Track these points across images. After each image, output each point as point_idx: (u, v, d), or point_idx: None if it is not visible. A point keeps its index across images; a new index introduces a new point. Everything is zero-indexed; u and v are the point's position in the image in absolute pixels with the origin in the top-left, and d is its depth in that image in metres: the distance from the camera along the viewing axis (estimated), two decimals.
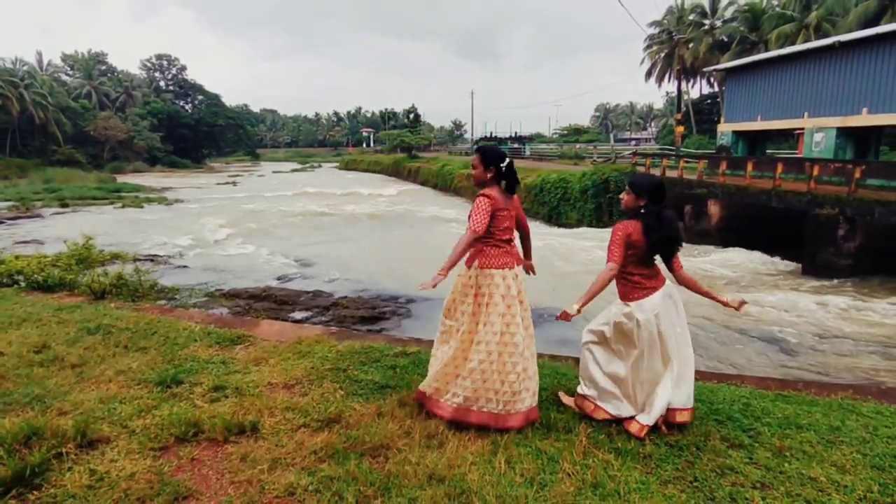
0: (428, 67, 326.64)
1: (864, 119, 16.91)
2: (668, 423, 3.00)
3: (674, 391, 2.98)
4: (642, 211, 3.03)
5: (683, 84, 42.92)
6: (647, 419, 2.95)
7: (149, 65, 79.04)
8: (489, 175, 3.15)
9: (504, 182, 3.17)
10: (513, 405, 2.99)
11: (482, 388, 2.98)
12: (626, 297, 3.07)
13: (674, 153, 25.95)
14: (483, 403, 3.00)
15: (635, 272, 3.05)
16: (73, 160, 52.19)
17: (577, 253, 14.99)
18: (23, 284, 6.81)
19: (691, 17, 41.31)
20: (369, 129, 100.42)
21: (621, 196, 3.19)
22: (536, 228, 20.09)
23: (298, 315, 9.18)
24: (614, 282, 3.07)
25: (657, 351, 3.01)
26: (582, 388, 3.21)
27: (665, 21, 43.72)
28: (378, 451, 2.75)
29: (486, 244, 3.11)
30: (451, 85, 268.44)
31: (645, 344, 2.99)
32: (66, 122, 56.05)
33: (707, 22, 40.38)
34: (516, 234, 3.35)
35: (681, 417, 3.00)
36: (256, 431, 2.95)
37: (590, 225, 19.47)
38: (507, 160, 3.18)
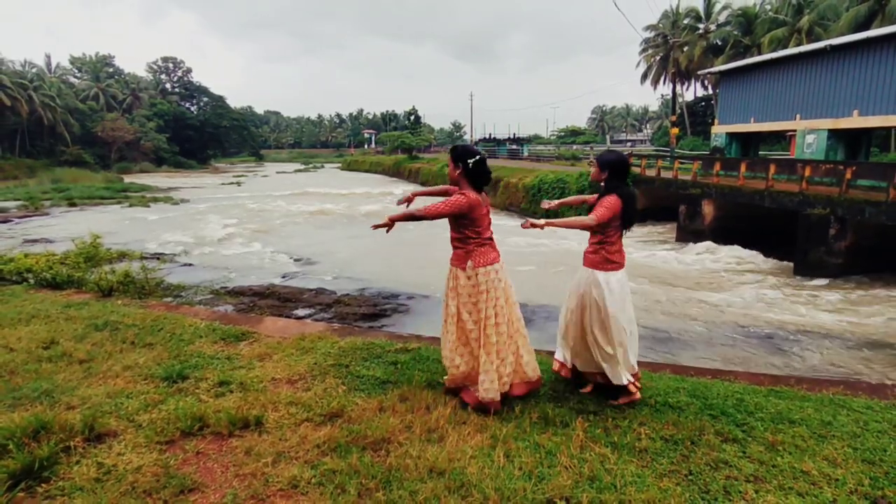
0: (428, 70, 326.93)
1: (855, 121, 16.90)
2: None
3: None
4: (602, 184, 3.19)
5: (678, 87, 42.92)
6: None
7: (155, 67, 78.96)
8: (458, 172, 3.12)
9: (471, 179, 3.11)
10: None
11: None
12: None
13: (669, 154, 25.95)
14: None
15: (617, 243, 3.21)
16: (81, 160, 52.17)
17: (574, 253, 14.99)
18: (32, 282, 6.80)
19: (686, 22, 41.22)
20: (371, 131, 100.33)
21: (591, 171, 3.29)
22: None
23: (301, 312, 9.17)
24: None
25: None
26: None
27: (660, 25, 43.64)
28: (380, 445, 2.75)
29: (479, 243, 3.14)
30: (450, 87, 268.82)
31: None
32: (74, 124, 56.00)
33: (701, 26, 40.31)
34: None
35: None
36: (260, 426, 2.94)
37: None
38: (477, 157, 3.10)
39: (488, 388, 3.11)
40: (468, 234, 3.11)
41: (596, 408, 3.18)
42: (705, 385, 3.57)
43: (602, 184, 3.20)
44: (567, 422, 3.01)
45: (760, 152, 26.40)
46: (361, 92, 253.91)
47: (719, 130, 23.84)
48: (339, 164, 75.56)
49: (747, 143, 23.61)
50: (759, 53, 29.18)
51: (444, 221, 3.18)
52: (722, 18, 39.06)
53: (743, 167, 16.05)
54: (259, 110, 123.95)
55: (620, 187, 3.13)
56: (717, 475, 2.50)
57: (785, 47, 27.78)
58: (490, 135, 70.42)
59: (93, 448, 2.70)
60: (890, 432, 2.92)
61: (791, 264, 13.33)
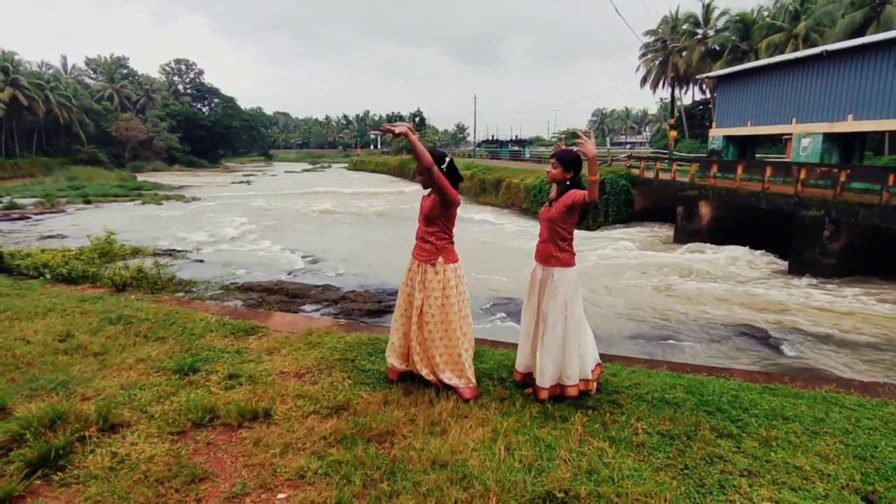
0: (432, 73, 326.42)
1: (850, 125, 16.82)
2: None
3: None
4: (568, 182, 3.15)
5: (677, 90, 42.74)
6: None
7: (168, 69, 79.20)
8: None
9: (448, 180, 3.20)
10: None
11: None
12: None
13: (667, 156, 25.84)
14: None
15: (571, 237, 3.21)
16: (95, 159, 52.41)
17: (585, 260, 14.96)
18: (48, 277, 6.84)
19: (685, 27, 41.07)
20: (377, 132, 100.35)
21: (547, 170, 3.23)
22: (536, 227, 20.08)
23: (309, 308, 9.19)
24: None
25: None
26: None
27: (660, 30, 43.47)
28: (384, 437, 2.75)
29: (450, 242, 3.25)
30: (453, 90, 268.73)
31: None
32: (90, 123, 56.24)
33: (700, 31, 40.14)
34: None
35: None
36: (269, 417, 2.96)
37: (586, 225, 19.43)
38: (448, 159, 3.21)
39: (470, 376, 3.25)
40: (442, 230, 3.21)
41: (594, 403, 3.18)
42: (701, 382, 3.56)
43: (568, 182, 3.16)
44: (566, 416, 3.01)
45: (757, 155, 26.29)
46: (368, 94, 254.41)
47: (717, 133, 23.76)
48: (346, 164, 75.58)
49: (744, 146, 23.51)
50: (757, 58, 29.05)
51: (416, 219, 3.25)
52: (720, 24, 38.91)
53: (740, 169, 16.00)
54: (268, 111, 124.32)
55: (582, 184, 3.13)
56: (712, 469, 2.50)
57: (782, 52, 27.65)
58: (493, 136, 70.40)
59: (107, 438, 2.72)
60: (881, 429, 2.91)
61: (786, 264, 13.29)
